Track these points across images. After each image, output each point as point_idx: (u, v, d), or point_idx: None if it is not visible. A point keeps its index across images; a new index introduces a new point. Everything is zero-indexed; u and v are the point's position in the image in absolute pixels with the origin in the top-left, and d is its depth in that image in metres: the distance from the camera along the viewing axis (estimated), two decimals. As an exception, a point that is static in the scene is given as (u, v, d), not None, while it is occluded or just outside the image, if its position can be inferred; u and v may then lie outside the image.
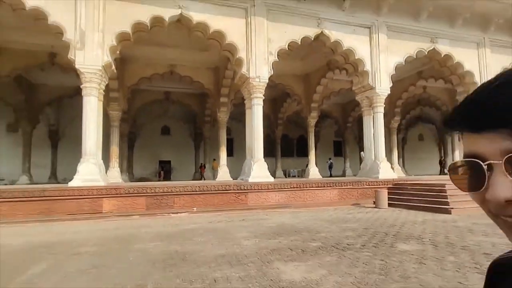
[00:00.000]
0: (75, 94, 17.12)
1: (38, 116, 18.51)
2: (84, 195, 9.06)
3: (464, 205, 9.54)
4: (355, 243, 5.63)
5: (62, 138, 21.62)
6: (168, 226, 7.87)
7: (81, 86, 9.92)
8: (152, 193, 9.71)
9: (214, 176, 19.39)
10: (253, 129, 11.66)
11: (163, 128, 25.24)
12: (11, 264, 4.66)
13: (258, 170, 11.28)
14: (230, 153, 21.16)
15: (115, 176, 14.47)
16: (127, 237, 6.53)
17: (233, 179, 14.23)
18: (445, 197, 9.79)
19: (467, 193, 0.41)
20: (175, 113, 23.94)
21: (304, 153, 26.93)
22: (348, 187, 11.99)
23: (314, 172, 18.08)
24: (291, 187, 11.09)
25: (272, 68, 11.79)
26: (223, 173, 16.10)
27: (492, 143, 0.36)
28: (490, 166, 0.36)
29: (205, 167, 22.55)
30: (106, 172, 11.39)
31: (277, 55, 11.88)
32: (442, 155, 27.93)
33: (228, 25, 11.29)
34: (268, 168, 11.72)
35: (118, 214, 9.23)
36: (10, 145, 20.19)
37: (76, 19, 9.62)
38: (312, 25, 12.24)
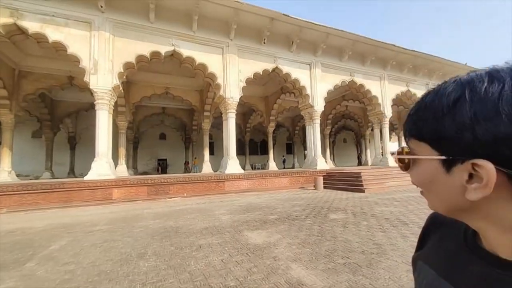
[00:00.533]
0: (90, 108, 15.97)
1: (59, 125, 16.92)
2: (98, 186, 8.46)
3: (373, 186, 10.18)
4: (300, 215, 5.77)
5: (79, 142, 19.92)
6: (164, 207, 7.57)
7: (94, 102, 9.24)
8: (152, 183, 9.28)
9: (199, 170, 19.21)
10: (228, 135, 11.57)
11: (160, 135, 24.16)
12: (36, 241, 4.25)
13: (232, 165, 11.19)
14: (211, 152, 20.85)
15: (123, 171, 13.62)
16: (132, 217, 6.19)
17: (214, 172, 14.01)
18: (361, 181, 10.37)
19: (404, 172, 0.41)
20: (170, 123, 23.00)
21: (265, 152, 27.10)
22: (296, 175, 12.26)
23: (272, 165, 18.29)
24: (256, 176, 11.14)
25: (242, 91, 11.79)
26: (206, 167, 15.78)
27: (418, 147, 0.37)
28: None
29: (188, 163, 22.75)
30: (115, 168, 10.68)
31: (246, 82, 11.91)
32: (359, 152, 29.38)
33: (210, 59, 11.13)
34: (239, 163, 11.65)
35: (125, 200, 8.72)
36: (35, 148, 18.28)
37: (90, 50, 8.96)
38: (270, 61, 12.43)
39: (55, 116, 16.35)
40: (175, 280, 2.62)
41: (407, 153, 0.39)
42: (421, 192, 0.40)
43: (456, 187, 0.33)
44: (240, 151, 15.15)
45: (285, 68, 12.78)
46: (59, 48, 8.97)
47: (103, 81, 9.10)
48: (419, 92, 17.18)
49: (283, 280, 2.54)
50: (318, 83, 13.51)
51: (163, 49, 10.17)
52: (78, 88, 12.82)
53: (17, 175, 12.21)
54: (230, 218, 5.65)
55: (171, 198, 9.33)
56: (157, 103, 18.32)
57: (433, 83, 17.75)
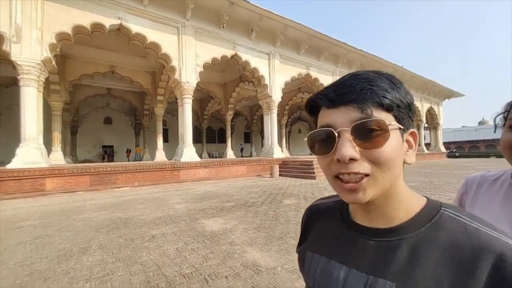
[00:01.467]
0: (12, 84, 13.51)
1: (-33, 103, 13.78)
2: (25, 176, 7.26)
3: (323, 174, 11.05)
4: (257, 201, 5.98)
5: (-2, 124, 16.64)
6: (111, 198, 6.95)
7: (18, 77, 7.74)
8: (95, 172, 8.38)
9: (141, 159, 18.70)
10: (184, 122, 11.07)
11: (105, 119, 21.64)
12: None
13: (188, 153, 10.81)
14: (165, 139, 19.76)
15: (58, 158, 11.92)
16: (71, 210, 5.53)
17: (168, 160, 13.35)
18: (312, 168, 11.16)
19: (317, 156, 0.39)
20: (117, 107, 20.84)
21: (223, 140, 26.91)
22: (253, 164, 12.53)
23: (230, 154, 18.26)
24: (213, 165, 11.01)
25: (199, 76, 11.32)
26: (160, 155, 14.91)
27: (345, 114, 0.36)
28: (339, 133, 0.35)
29: (130, 151, 21.41)
30: (48, 156, 9.29)
31: (203, 67, 11.45)
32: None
33: (163, 39, 10.30)
34: (196, 151, 11.31)
35: (62, 191, 7.72)
36: None
37: (11, 13, 7.38)
38: (229, 47, 12.14)
39: (-39, 91, 13.23)
40: (125, 272, 2.48)
41: (382, 125, 0.34)
42: (365, 179, 0.35)
43: (402, 155, 0.37)
44: (197, 139, 14.59)
45: (244, 56, 12.66)
46: (-35, 6, 7.16)
47: (29, 52, 7.64)
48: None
49: (239, 263, 2.64)
50: (276, 74, 13.78)
51: (108, 21, 8.99)
52: (-5, 59, 10.54)
53: None
54: (185, 207, 5.52)
55: (119, 188, 8.60)
56: (102, 83, 16.30)
57: (376, 81, 19.90)
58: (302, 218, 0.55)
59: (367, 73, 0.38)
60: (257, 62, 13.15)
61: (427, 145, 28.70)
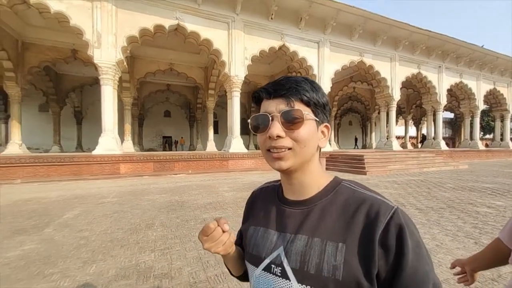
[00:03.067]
0: (94, 83, 16.00)
1: (64, 100, 16.99)
2: (105, 161, 8.73)
3: (375, 169, 10.29)
4: (301, 194, 5.96)
5: (85, 117, 20.12)
6: (170, 183, 7.84)
7: (99, 77, 9.24)
8: (158, 159, 9.52)
9: (184, 148, 20.83)
10: (233, 114, 11.58)
11: (165, 112, 24.21)
12: (51, 210, 4.52)
13: (236, 144, 11.33)
14: (216, 131, 21.03)
15: (129, 147, 13.91)
16: (140, 191, 6.46)
17: (218, 150, 14.21)
18: (363, 163, 10.47)
19: (257, 134, 0.52)
20: (174, 101, 22.95)
21: (269, 132, 27.31)
22: (299, 156, 12.41)
23: (276, 146, 18.40)
24: (260, 156, 11.27)
25: (247, 69, 11.58)
26: (211, 146, 15.95)
27: (277, 105, 0.49)
28: (272, 118, 0.49)
29: (177, 142, 23.57)
30: (121, 144, 10.93)
31: (251, 60, 11.65)
32: (356, 135, 29.28)
33: (215, 35, 10.82)
34: (243, 143, 11.78)
35: (132, 175, 9.02)
36: (42, 122, 18.60)
37: (93, 22, 8.76)
38: (277, 38, 12.03)
39: (60, 90, 16.38)
40: (181, 248, 2.82)
41: (301, 115, 0.48)
42: (287, 151, 0.48)
43: (317, 140, 0.51)
44: (244, 131, 15.03)
45: (292, 46, 12.38)
46: (61, 19, 8.76)
47: (106, 55, 9.00)
48: (430, 74, 16.63)
49: (282, 252, 2.73)
50: (325, 63, 13.14)
51: (167, 22, 9.88)
52: (82, 62, 12.70)
53: (28, 148, 12.60)
54: (233, 195, 5.86)
55: (176, 174, 9.61)
56: (162, 80, 18.17)
57: (446, 66, 17.12)
58: (246, 203, 0.68)
59: (296, 78, 0.52)
60: (305, 51, 12.73)
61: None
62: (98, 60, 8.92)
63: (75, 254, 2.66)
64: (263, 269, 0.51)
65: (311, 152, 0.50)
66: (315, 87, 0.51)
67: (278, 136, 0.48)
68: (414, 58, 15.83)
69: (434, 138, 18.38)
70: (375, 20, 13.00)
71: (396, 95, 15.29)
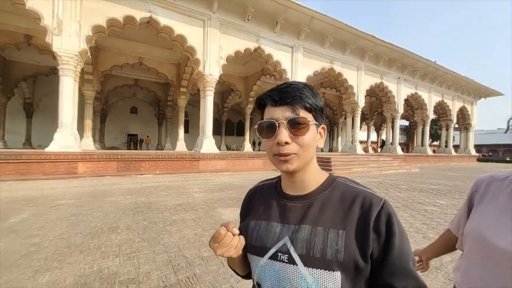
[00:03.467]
0: (51, 73, 14.53)
1: (13, 90, 15.05)
2: (61, 159, 7.93)
3: (340, 171, 10.87)
4: (272, 195, 6.06)
5: (37, 109, 18.02)
6: (136, 184, 7.41)
7: (58, 67, 8.37)
8: (122, 159, 8.93)
9: (149, 148, 20.63)
10: (205, 114, 11.35)
11: (131, 108, 22.84)
12: (-7, 214, 3.98)
13: (208, 144, 11.13)
14: (186, 130, 20.41)
15: (89, 144, 12.82)
16: (100, 192, 6.00)
17: (188, 150, 13.81)
18: (330, 165, 11.01)
19: (264, 139, 0.55)
20: (142, 97, 21.76)
21: (242, 133, 27.19)
22: (271, 158, 12.60)
23: (248, 147, 18.49)
24: (231, 157, 11.24)
25: (222, 69, 11.47)
26: (181, 146, 15.46)
27: (283, 112, 0.53)
28: (279, 124, 0.52)
29: (143, 141, 22.60)
30: (80, 141, 10.03)
31: (226, 60, 11.57)
32: (330, 140, 30.68)
33: (189, 32, 10.52)
34: (215, 143, 11.62)
35: (92, 175, 8.33)
36: (-17, 113, 16.29)
37: (54, 8, 7.93)
38: (252, 40, 12.11)
39: (9, 79, 14.49)
40: (150, 251, 2.69)
41: (306, 121, 0.53)
42: (293, 155, 0.53)
43: (317, 142, 0.56)
44: (216, 131, 14.78)
45: (268, 49, 12.58)
46: (16, 1, 7.80)
47: (68, 44, 8.21)
48: (391, 85, 18.12)
49: (254, 252, 2.75)
50: (299, 68, 13.56)
51: (139, 14, 9.36)
52: (38, 49, 11.40)
53: (-37, 142, 10.93)
54: (204, 196, 5.75)
55: (142, 175, 9.10)
56: (130, 74, 17.13)
57: (404, 77, 18.81)
58: (243, 201, 0.71)
59: (298, 84, 0.55)
60: (280, 55, 13.01)
61: (456, 147, 26.78)
62: (58, 49, 8.09)
63: (24, 263, 2.38)
64: (269, 258, 0.55)
65: (312, 154, 0.56)
66: (315, 93, 0.56)
67: (286, 143, 0.52)
68: (377, 69, 17.12)
69: (391, 144, 20.05)
70: (345, 30, 13.79)
71: (361, 102, 16.38)
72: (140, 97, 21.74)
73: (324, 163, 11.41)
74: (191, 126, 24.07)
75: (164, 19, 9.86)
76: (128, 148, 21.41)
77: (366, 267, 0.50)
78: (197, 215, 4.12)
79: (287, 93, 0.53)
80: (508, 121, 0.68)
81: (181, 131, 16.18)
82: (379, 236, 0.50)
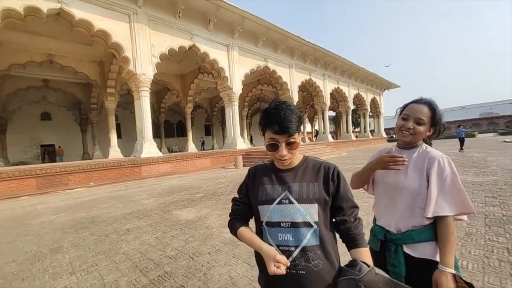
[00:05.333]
0: None
1: None
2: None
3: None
4: (225, 191, 6.31)
5: None
6: (67, 200, 6.51)
7: None
8: (42, 174, 7.65)
9: (63, 159, 17.81)
10: (142, 116, 10.61)
11: (43, 114, 19.11)
12: None
13: (149, 148, 10.47)
14: (119, 135, 18.39)
15: (-13, 163, 10.35)
16: (22, 215, 5.10)
17: (125, 157, 12.63)
18: (274, 157, 11.82)
19: (269, 152, 0.84)
20: (57, 100, 18.51)
21: (182, 134, 26.26)
22: (217, 156, 12.72)
23: (192, 147, 18.04)
24: (176, 159, 10.89)
25: (156, 68, 10.88)
26: (115, 152, 13.95)
27: (283, 137, 0.81)
28: (279, 145, 0.82)
29: (51, 153, 19.40)
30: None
31: (159, 58, 11.02)
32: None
33: (113, 27, 9.59)
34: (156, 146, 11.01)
35: (2, 197, 6.88)
36: None
37: None
38: (186, 38, 11.86)
39: None
40: (109, 262, 2.61)
41: (295, 141, 0.83)
42: (288, 159, 0.85)
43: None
44: (155, 133, 13.75)
45: (203, 47, 12.52)
46: None
47: None
48: (318, 81, 20.45)
49: (219, 242, 2.98)
50: (236, 66, 13.96)
51: (45, 5, 8.01)
52: None
53: None
54: (154, 201, 5.55)
55: (72, 189, 7.98)
56: (36, 74, 14.35)
57: (328, 74, 21.47)
58: (249, 173, 0.98)
59: (286, 114, 0.80)
60: (216, 53, 13.12)
61: (372, 131, 32.24)
62: None
63: None
64: (276, 204, 0.85)
65: (296, 152, 0.89)
66: (298, 115, 0.83)
67: (285, 155, 0.83)
68: (306, 66, 19.07)
69: (323, 133, 22.75)
70: (274, 30, 14.84)
71: (295, 97, 18.00)
72: (53, 101, 18.46)
73: (268, 156, 12.18)
74: (124, 131, 21.84)
75: (79, 12, 8.73)
76: (43, 162, 17.98)
77: (329, 200, 0.85)
78: (153, 220, 4.04)
79: (284, 127, 0.79)
80: (396, 111, 1.13)
81: (113, 136, 14.57)
82: (334, 183, 0.86)
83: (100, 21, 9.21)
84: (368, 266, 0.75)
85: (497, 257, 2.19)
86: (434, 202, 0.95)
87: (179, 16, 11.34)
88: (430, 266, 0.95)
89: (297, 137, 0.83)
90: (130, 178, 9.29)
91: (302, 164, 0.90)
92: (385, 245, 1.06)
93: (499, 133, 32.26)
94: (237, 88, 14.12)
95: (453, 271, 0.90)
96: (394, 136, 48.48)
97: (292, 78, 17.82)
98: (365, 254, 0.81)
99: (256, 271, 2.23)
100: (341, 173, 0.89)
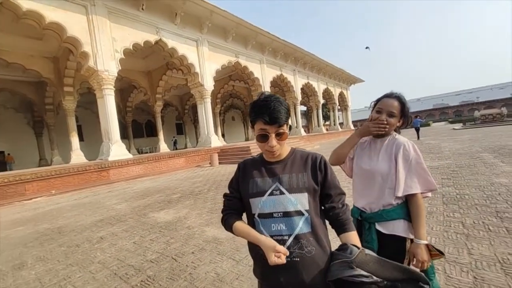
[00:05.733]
0: None
1: None
2: None
3: (259, 156, 11.93)
4: (203, 190, 6.20)
5: None
6: (24, 212, 5.88)
7: None
8: (-9, 185, 6.80)
9: (13, 168, 15.74)
10: (108, 116, 9.90)
11: (-15, 118, 16.94)
12: None
13: (117, 150, 9.83)
14: (80, 138, 16.99)
15: None
16: (-29, 234, 4.51)
17: (89, 161, 11.75)
18: (250, 153, 11.90)
19: (258, 143, 0.87)
20: (3, 101, 16.50)
21: (152, 133, 25.12)
22: (192, 155, 12.40)
23: (163, 147, 17.35)
24: (148, 160, 10.39)
25: (119, 64, 10.21)
26: (77, 157, 12.87)
27: (272, 128, 0.83)
28: (270, 135, 0.84)
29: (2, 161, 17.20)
30: None
31: (123, 53, 10.35)
32: (246, 130, 32.51)
33: (68, 19, 8.75)
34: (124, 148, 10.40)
35: None
36: None
37: None
38: (152, 32, 11.26)
39: None
40: (84, 273, 2.45)
41: (284, 131, 0.86)
42: (278, 150, 0.88)
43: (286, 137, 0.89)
44: (122, 135, 12.87)
45: (170, 42, 12.01)
46: None
47: None
48: (289, 76, 20.85)
49: (201, 241, 2.95)
50: (206, 62, 13.64)
51: (-17, -8, 7.05)
52: None
53: None
54: (127, 206, 5.28)
55: (30, 199, 7.23)
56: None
57: (298, 70, 21.98)
58: (239, 168, 1.00)
59: (276, 106, 0.83)
60: (185, 49, 12.68)
61: (341, 124, 33.89)
62: None
63: None
64: (268, 195, 0.88)
65: (285, 143, 0.92)
66: (287, 108, 0.87)
67: (274, 145, 0.85)
68: (277, 62, 19.31)
69: (296, 127, 23.36)
70: (244, 26, 14.75)
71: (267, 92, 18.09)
72: (-2, 103, 16.40)
73: (244, 152, 12.25)
74: (87, 133, 20.24)
75: (27, 2, 7.81)
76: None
77: (318, 189, 0.89)
78: (128, 225, 3.85)
79: (274, 117, 0.82)
80: (370, 104, 1.23)
81: (75, 139, 13.40)
82: (321, 172, 0.91)
83: (53, 13, 8.35)
84: (358, 248, 0.80)
85: (454, 231, 2.49)
86: (403, 182, 1.07)
87: (142, 9, 10.71)
88: (398, 241, 1.08)
89: (285, 128, 0.85)
90: (97, 183, 8.67)
91: (290, 155, 0.93)
92: (361, 224, 1.17)
93: (449, 122, 36.08)
94: (209, 84, 13.85)
95: (426, 242, 1.02)
96: (359, 127, 51.69)
97: (264, 73, 17.94)
98: (354, 237, 0.87)
99: (242, 266, 2.28)
100: (328, 162, 0.94)
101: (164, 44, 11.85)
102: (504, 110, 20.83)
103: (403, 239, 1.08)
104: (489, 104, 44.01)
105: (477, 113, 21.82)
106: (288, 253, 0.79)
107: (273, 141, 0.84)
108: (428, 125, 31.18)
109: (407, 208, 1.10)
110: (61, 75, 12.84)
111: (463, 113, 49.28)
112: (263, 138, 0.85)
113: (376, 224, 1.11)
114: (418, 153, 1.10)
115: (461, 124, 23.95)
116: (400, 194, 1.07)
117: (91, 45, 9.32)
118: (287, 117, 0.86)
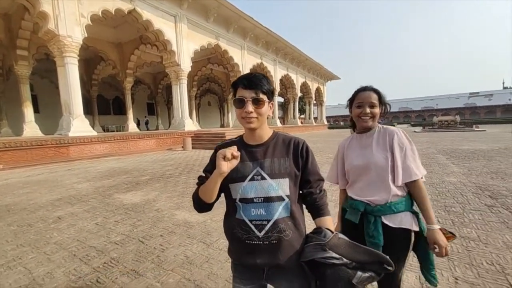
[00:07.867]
0: None
1: None
2: None
3: (233, 144, 11.85)
4: (174, 173, 6.02)
5: None
6: (-36, 188, 5.21)
7: None
8: None
9: None
10: (69, 87, 8.99)
11: None
12: None
13: (80, 125, 9.05)
14: (36, 110, 15.31)
15: None
16: None
17: (45, 135, 10.69)
18: (225, 139, 11.76)
19: (236, 109, 0.84)
20: None
21: (120, 111, 23.62)
22: (164, 137, 11.91)
23: (132, 127, 16.39)
24: (114, 139, 9.75)
25: (85, 30, 9.25)
26: (31, 130, 11.61)
27: (250, 93, 0.81)
28: (246, 101, 0.81)
29: None
30: None
31: (90, 19, 9.37)
32: (222, 117, 31.93)
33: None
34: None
35: None
36: None
37: None
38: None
39: None
40: (38, 254, 2.26)
41: (263, 100, 0.83)
42: (254, 119, 0.84)
43: (268, 112, 0.87)
44: (86, 110, 11.68)
45: (146, 14, 11.14)
46: None
47: None
48: (269, 66, 20.73)
49: (171, 224, 2.88)
50: (184, 40, 12.96)
51: None
52: None
53: None
54: (90, 185, 4.93)
55: (-29, 174, 6.41)
56: None
57: (278, 60, 21.92)
58: (216, 151, 0.91)
59: (259, 76, 0.85)
60: (161, 23, 11.87)
61: (315, 118, 34.90)
62: None
63: None
64: (249, 180, 0.86)
65: (265, 119, 0.88)
66: (268, 81, 0.87)
67: (251, 112, 0.82)
68: (258, 50, 19.01)
69: (273, 117, 23.51)
70: (227, 7, 14.12)
71: (246, 80, 17.84)
72: None
73: (219, 139, 12.07)
74: (43, 104, 18.31)
75: None
76: None
77: (299, 174, 0.89)
78: (90, 206, 3.60)
79: (253, 82, 0.82)
80: (347, 101, 1.25)
81: (29, 110, 12.00)
82: (303, 158, 0.90)
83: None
84: (332, 232, 0.83)
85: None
86: (401, 170, 1.08)
87: (116, -28, 9.73)
88: (405, 234, 1.08)
89: (265, 100, 0.83)
90: (54, 160, 7.95)
91: (272, 139, 0.91)
92: (363, 217, 1.14)
93: (411, 125, 39.13)
94: (186, 64, 13.22)
95: (439, 226, 1.06)
96: (332, 123, 53.76)
97: (244, 60, 17.59)
98: (329, 222, 0.90)
99: (212, 249, 2.28)
100: (310, 148, 0.93)
101: (139, 15, 10.97)
102: (458, 118, 23.08)
103: (409, 232, 1.08)
104: (446, 111, 48.42)
105: (435, 119, 23.90)
106: (238, 154, 0.80)
107: (249, 106, 0.81)
108: (393, 125, 33.47)
109: (411, 200, 1.12)
110: (13, 35, 11.29)
111: (424, 117, 53.80)
112: (240, 103, 0.83)
113: (383, 217, 1.08)
114: (409, 139, 1.14)
115: (421, 128, 26.11)
116: (400, 183, 1.07)
117: (52, 4, 8.29)
118: (269, 92, 0.85)
